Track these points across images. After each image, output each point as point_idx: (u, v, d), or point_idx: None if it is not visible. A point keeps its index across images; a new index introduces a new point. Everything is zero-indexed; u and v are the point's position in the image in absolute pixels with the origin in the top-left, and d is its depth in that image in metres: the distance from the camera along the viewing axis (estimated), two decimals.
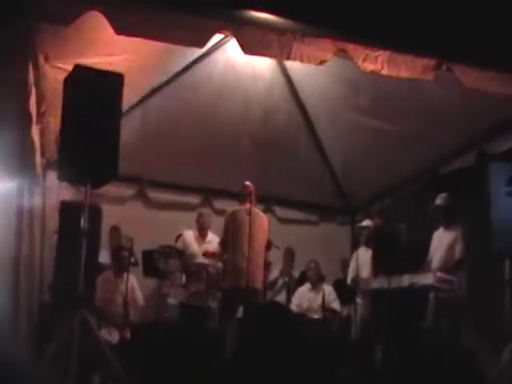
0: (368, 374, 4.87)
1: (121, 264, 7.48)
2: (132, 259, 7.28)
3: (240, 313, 6.23)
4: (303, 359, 1.90)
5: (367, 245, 7.65)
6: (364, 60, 5.24)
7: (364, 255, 7.58)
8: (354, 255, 7.76)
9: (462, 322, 6.43)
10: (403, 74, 5.34)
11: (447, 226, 6.83)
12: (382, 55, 5.25)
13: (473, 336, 6.37)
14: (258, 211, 6.75)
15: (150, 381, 4.71)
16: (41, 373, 2.18)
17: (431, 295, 6.54)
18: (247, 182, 6.77)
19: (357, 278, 7.46)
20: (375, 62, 5.26)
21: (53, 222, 6.60)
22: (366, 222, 7.96)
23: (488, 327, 6.28)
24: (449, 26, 5.19)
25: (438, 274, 6.18)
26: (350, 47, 5.20)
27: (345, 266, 8.45)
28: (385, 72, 5.31)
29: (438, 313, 6.47)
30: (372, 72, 5.33)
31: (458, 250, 6.62)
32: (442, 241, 6.81)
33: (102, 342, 4.91)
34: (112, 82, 4.78)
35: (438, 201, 6.87)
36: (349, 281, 7.69)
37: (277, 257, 7.98)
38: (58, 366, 4.33)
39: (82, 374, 4.49)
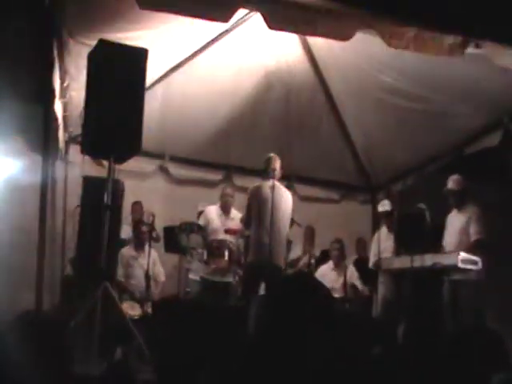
0: (392, 352, 4.85)
1: (141, 239, 7.55)
2: (154, 234, 7.31)
3: (262, 289, 6.24)
4: (335, 334, 1.87)
5: (390, 230, 7.55)
6: (390, 37, 5.11)
7: (386, 238, 7.45)
8: (376, 237, 7.63)
9: (482, 303, 6.36)
10: (430, 51, 5.23)
11: (460, 208, 6.71)
12: (409, 32, 5.13)
13: (495, 318, 6.30)
14: (282, 187, 6.65)
15: (171, 355, 4.75)
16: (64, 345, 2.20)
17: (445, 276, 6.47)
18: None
19: (379, 262, 7.29)
20: (401, 38, 5.13)
21: (75, 196, 6.65)
22: (385, 207, 7.78)
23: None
24: (477, 2, 5.06)
25: (462, 254, 6.09)
26: (376, 23, 5.09)
27: (360, 243, 8.45)
28: (411, 49, 5.19)
29: (454, 293, 6.41)
30: (398, 49, 5.23)
31: (473, 232, 6.49)
32: (454, 223, 6.71)
33: (125, 315, 4.97)
34: (136, 56, 4.79)
35: (450, 183, 6.74)
36: (371, 265, 7.54)
37: (297, 235, 7.96)
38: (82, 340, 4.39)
39: (104, 347, 4.55)
